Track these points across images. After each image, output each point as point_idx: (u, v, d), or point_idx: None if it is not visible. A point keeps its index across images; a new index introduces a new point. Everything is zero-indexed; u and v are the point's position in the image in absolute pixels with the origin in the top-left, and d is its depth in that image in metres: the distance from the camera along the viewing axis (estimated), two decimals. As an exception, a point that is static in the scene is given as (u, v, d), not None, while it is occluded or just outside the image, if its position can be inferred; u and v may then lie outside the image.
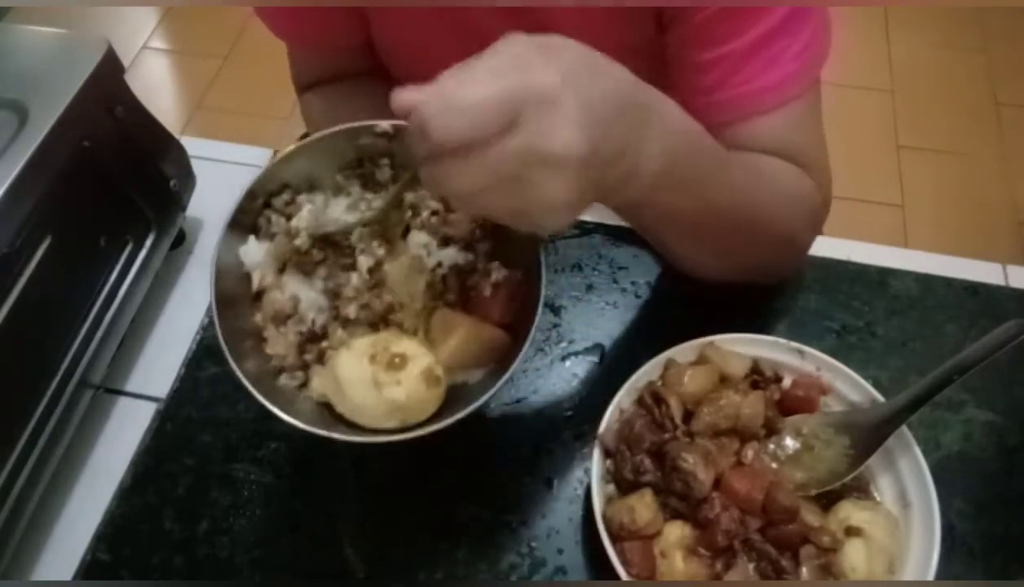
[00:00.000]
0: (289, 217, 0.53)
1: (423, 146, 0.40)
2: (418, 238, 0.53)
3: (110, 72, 0.60)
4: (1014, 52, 2.16)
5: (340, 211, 0.53)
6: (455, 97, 0.39)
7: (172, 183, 0.69)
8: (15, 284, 0.54)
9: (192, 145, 0.73)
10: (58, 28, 0.61)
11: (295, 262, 0.53)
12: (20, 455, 0.56)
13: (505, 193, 0.41)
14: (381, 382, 0.49)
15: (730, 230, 0.59)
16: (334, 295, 0.53)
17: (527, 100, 0.39)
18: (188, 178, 0.72)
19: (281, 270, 0.53)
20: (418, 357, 0.51)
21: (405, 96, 0.40)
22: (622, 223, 0.75)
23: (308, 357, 0.53)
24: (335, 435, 0.49)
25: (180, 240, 0.74)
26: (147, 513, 0.60)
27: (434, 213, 0.54)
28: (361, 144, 0.53)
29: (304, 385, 0.53)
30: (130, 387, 0.67)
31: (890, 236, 1.80)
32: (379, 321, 0.53)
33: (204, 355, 0.68)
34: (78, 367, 0.61)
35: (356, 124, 0.52)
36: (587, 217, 0.75)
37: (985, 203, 1.88)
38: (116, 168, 0.62)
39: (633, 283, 0.72)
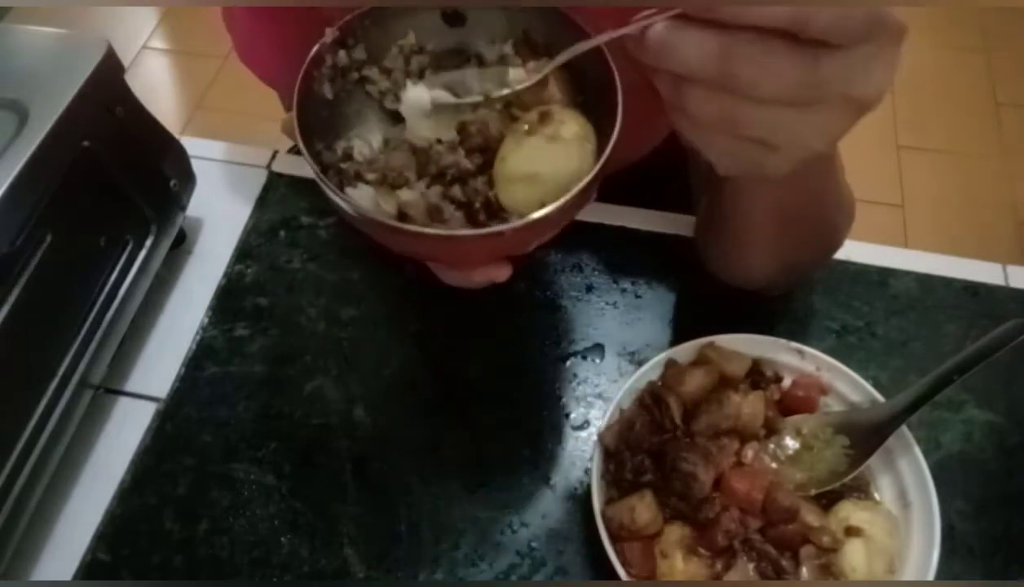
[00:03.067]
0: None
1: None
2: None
3: (110, 72, 0.60)
4: (1014, 52, 2.16)
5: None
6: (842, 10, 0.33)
7: (172, 183, 0.69)
8: (15, 284, 0.54)
9: (192, 145, 0.73)
10: (58, 28, 0.61)
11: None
12: (20, 455, 0.56)
13: (800, 112, 0.36)
14: (554, 135, 0.46)
15: (816, 220, 0.59)
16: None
17: (887, 25, 0.35)
18: (188, 178, 0.72)
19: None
20: (552, 105, 0.48)
21: None
22: (622, 223, 0.75)
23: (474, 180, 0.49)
24: (551, 208, 0.43)
25: (180, 240, 0.74)
26: (147, 513, 0.60)
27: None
28: (326, 71, 0.51)
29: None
30: (130, 387, 0.67)
31: (890, 236, 1.80)
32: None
33: (204, 355, 0.68)
34: (78, 367, 0.61)
35: (310, 54, 0.49)
36: (587, 217, 0.75)
37: (985, 203, 1.88)
38: (116, 168, 0.62)
39: (633, 283, 0.72)
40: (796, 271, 0.67)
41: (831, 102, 0.36)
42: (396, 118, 0.53)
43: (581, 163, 0.46)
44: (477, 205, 0.48)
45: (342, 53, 0.52)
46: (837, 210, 0.61)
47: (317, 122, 0.51)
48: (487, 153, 0.49)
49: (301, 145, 0.47)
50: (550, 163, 0.46)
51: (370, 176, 0.50)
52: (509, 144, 0.48)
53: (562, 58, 0.47)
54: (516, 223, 0.44)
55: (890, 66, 0.36)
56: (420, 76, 0.52)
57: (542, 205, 0.44)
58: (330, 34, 0.50)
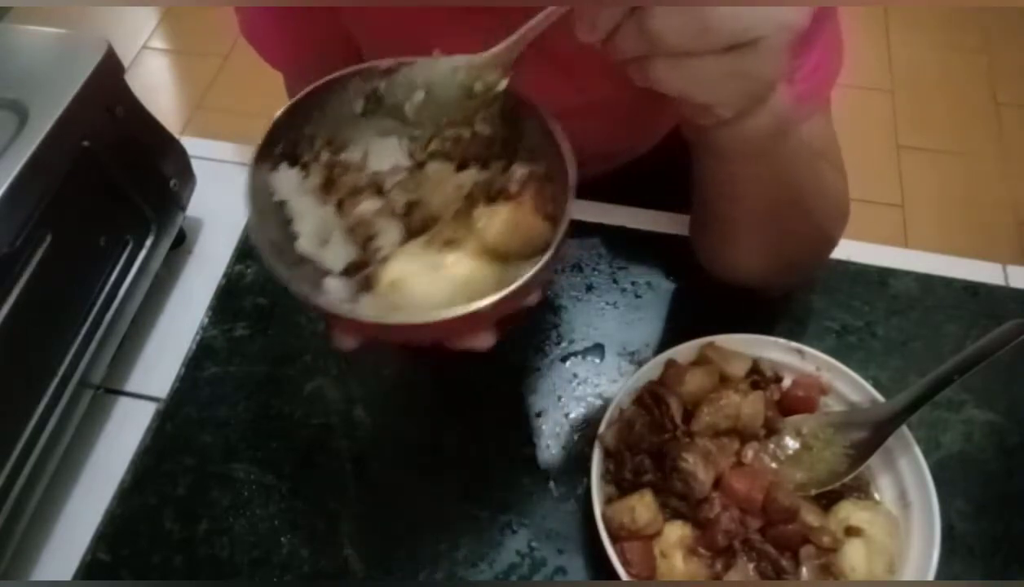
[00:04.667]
0: (335, 153, 0.53)
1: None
2: (433, 167, 0.53)
3: (110, 72, 0.60)
4: (1014, 52, 2.16)
5: (392, 152, 0.53)
6: None
7: (172, 183, 0.69)
8: (15, 284, 0.54)
9: (192, 145, 0.73)
10: (58, 28, 0.61)
11: (338, 191, 0.52)
12: (20, 455, 0.56)
13: (738, 53, 0.40)
14: (441, 263, 0.48)
15: (800, 212, 0.59)
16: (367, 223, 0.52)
17: None
18: (188, 178, 0.72)
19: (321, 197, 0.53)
20: (470, 238, 0.50)
21: None
22: (622, 223, 0.75)
23: (353, 283, 0.51)
24: (412, 319, 0.46)
25: (180, 240, 0.74)
26: (147, 513, 0.60)
27: (445, 141, 0.53)
28: (367, 90, 0.53)
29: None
30: (130, 387, 0.67)
31: (890, 236, 1.80)
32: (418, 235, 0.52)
33: (204, 355, 0.68)
34: (78, 367, 0.61)
35: (360, 66, 0.52)
36: (587, 217, 0.75)
37: (985, 203, 1.88)
38: (116, 168, 0.62)
39: (633, 283, 0.72)
40: (788, 268, 0.67)
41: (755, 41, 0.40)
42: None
43: (443, 300, 0.47)
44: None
45: (384, 83, 0.53)
46: (822, 204, 0.61)
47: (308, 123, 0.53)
48: (424, 227, 0.51)
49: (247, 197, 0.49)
50: (414, 281, 0.48)
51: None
52: (405, 248, 0.50)
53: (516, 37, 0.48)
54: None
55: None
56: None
57: (395, 311, 0.47)
58: (386, 63, 0.52)
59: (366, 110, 0.54)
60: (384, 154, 0.54)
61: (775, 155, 0.52)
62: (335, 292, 0.50)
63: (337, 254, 0.51)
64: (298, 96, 0.51)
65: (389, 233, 0.51)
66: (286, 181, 0.52)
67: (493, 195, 0.52)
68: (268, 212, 0.52)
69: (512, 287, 0.45)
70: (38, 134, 0.54)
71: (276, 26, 0.70)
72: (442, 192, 0.52)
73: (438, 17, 0.65)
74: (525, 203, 0.51)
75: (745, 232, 0.62)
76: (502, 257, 0.50)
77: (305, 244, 0.51)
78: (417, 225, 0.51)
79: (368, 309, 0.49)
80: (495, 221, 0.50)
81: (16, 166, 0.53)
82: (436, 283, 0.48)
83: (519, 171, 0.52)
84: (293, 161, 0.53)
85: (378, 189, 0.52)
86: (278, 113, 0.51)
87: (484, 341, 0.50)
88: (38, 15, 2.12)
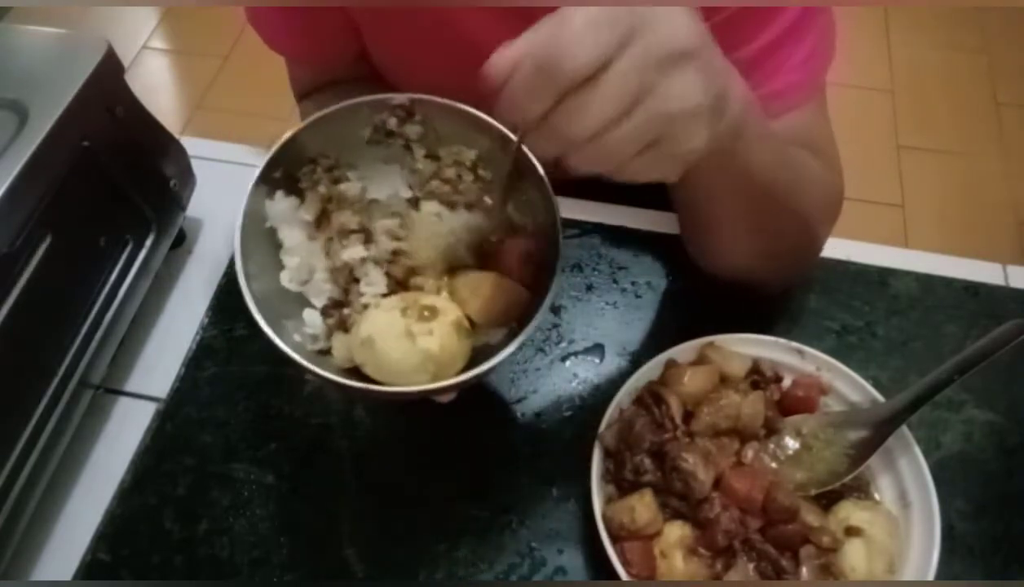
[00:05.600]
0: (335, 182, 0.54)
1: (547, 89, 0.37)
2: (429, 207, 0.54)
3: (110, 72, 0.60)
4: (1014, 52, 2.16)
5: (392, 181, 0.55)
6: (566, 29, 0.37)
7: (172, 183, 0.69)
8: (15, 284, 0.54)
9: (192, 145, 0.73)
10: (58, 28, 0.61)
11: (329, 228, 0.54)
12: (20, 455, 0.56)
13: (639, 115, 0.38)
14: (414, 333, 0.49)
15: (777, 203, 0.59)
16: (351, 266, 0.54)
17: (634, 13, 0.37)
18: (188, 178, 0.72)
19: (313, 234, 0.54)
20: (448, 309, 0.51)
21: (507, 52, 0.38)
22: (622, 223, 0.75)
23: (330, 322, 0.52)
24: (372, 387, 0.48)
25: (180, 240, 0.74)
26: (147, 513, 0.60)
27: (445, 181, 0.54)
28: (376, 121, 0.54)
29: (325, 353, 0.52)
30: (130, 387, 0.67)
31: (890, 236, 1.80)
32: (400, 286, 0.54)
33: (204, 355, 0.68)
34: (78, 367, 0.61)
35: (373, 97, 0.52)
36: (587, 217, 0.75)
37: (985, 203, 1.88)
38: (116, 168, 0.62)
39: (633, 283, 0.72)
40: (775, 259, 0.66)
41: (650, 88, 0.38)
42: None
43: (410, 370, 0.49)
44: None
45: (394, 120, 0.54)
46: (803, 196, 0.60)
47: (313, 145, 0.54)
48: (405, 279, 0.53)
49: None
50: (388, 344, 0.49)
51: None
52: (383, 306, 0.51)
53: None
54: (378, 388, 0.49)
55: (675, 23, 0.38)
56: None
57: (363, 365, 0.50)
58: (400, 99, 0.53)
59: (372, 139, 0.55)
60: (384, 182, 0.56)
61: (738, 154, 0.51)
62: (312, 326, 0.52)
63: (320, 290, 0.53)
64: (304, 122, 0.52)
65: (372, 280, 0.53)
66: (280, 209, 0.53)
67: (483, 257, 0.54)
68: (260, 236, 0.53)
69: (481, 368, 0.47)
70: (38, 134, 0.54)
71: (280, 11, 0.70)
72: (429, 245, 0.53)
73: (433, 40, 0.65)
74: (508, 274, 0.53)
75: (724, 226, 0.62)
76: (477, 325, 0.52)
77: (287, 279, 0.53)
78: (400, 275, 0.53)
79: (340, 350, 0.51)
80: (477, 296, 0.51)
81: (16, 166, 0.53)
82: (409, 353, 0.49)
83: (508, 242, 0.54)
84: (292, 184, 0.54)
85: (367, 235, 0.53)
86: (282, 138, 0.52)
87: (446, 398, 0.53)
88: (38, 15, 2.11)
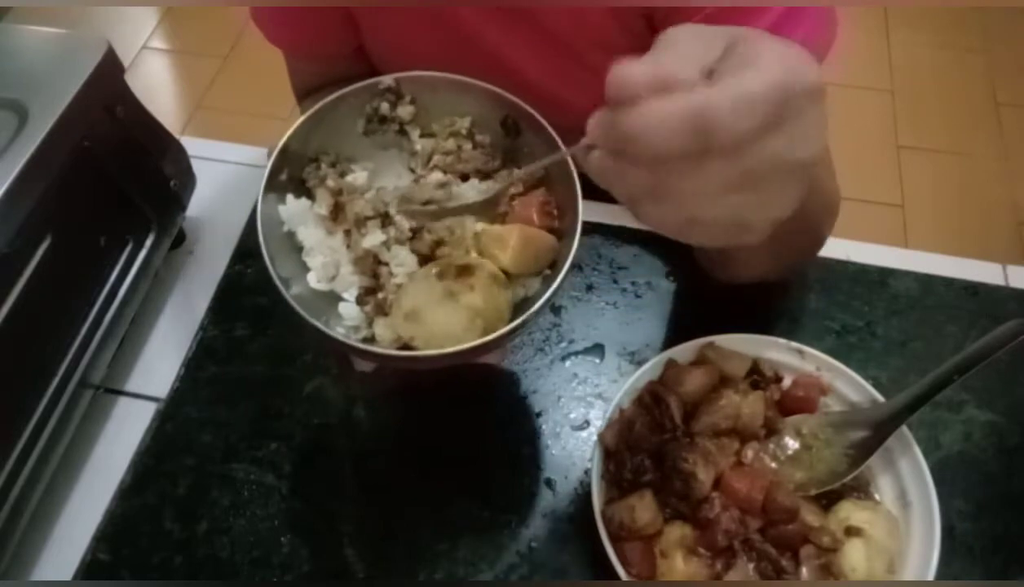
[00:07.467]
0: (341, 175, 0.54)
1: (694, 143, 0.32)
2: (434, 177, 0.54)
3: (110, 72, 0.60)
4: (1014, 52, 2.16)
5: (394, 165, 0.55)
6: (743, 87, 0.32)
7: (172, 183, 0.69)
8: (15, 284, 0.54)
9: (192, 145, 0.73)
10: (58, 28, 0.61)
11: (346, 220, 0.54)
12: (20, 455, 0.56)
13: (743, 198, 0.35)
14: (455, 292, 0.49)
15: (796, 218, 0.58)
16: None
17: (798, 94, 0.33)
18: (188, 178, 0.72)
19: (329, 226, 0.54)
20: (483, 264, 0.51)
21: (639, 71, 0.33)
22: (622, 223, 0.75)
23: (367, 309, 0.52)
24: (439, 352, 0.47)
25: (180, 240, 0.74)
26: (147, 513, 0.60)
27: (447, 154, 0.55)
28: (368, 110, 0.55)
29: (369, 341, 0.52)
30: (130, 387, 0.67)
31: (890, 236, 1.80)
32: (429, 260, 0.53)
33: (204, 355, 0.68)
34: (78, 367, 0.61)
35: (359, 85, 0.53)
36: (587, 217, 0.75)
37: (985, 203, 1.88)
38: (116, 168, 0.62)
39: (633, 283, 0.72)
40: (785, 267, 0.68)
41: (771, 178, 0.35)
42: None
43: (460, 329, 0.48)
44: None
45: (385, 105, 0.55)
46: (816, 206, 0.60)
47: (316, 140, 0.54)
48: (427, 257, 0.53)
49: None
50: (432, 311, 0.49)
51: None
52: (418, 276, 0.51)
53: (521, 173, 0.52)
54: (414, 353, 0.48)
55: (817, 125, 0.35)
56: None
57: (412, 339, 0.49)
58: (387, 81, 0.53)
59: (367, 130, 0.55)
60: (389, 170, 0.56)
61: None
62: (350, 318, 0.51)
63: (349, 282, 0.53)
64: (296, 123, 0.52)
65: (401, 260, 0.52)
66: (294, 211, 0.53)
67: (497, 216, 0.54)
68: (280, 241, 0.52)
69: (529, 313, 0.47)
70: (38, 134, 0.54)
71: (280, 8, 0.70)
72: (446, 216, 0.53)
73: (432, 36, 0.66)
74: (531, 224, 0.52)
75: (743, 250, 0.62)
76: (513, 277, 0.52)
77: (314, 280, 0.52)
78: (427, 250, 0.53)
79: (384, 334, 0.50)
80: (506, 249, 0.51)
81: (16, 166, 0.53)
82: (454, 313, 0.49)
83: (522, 198, 0.54)
84: (300, 186, 0.54)
85: (384, 216, 0.53)
86: (280, 142, 0.52)
87: (499, 357, 0.51)
88: (38, 15, 2.11)
